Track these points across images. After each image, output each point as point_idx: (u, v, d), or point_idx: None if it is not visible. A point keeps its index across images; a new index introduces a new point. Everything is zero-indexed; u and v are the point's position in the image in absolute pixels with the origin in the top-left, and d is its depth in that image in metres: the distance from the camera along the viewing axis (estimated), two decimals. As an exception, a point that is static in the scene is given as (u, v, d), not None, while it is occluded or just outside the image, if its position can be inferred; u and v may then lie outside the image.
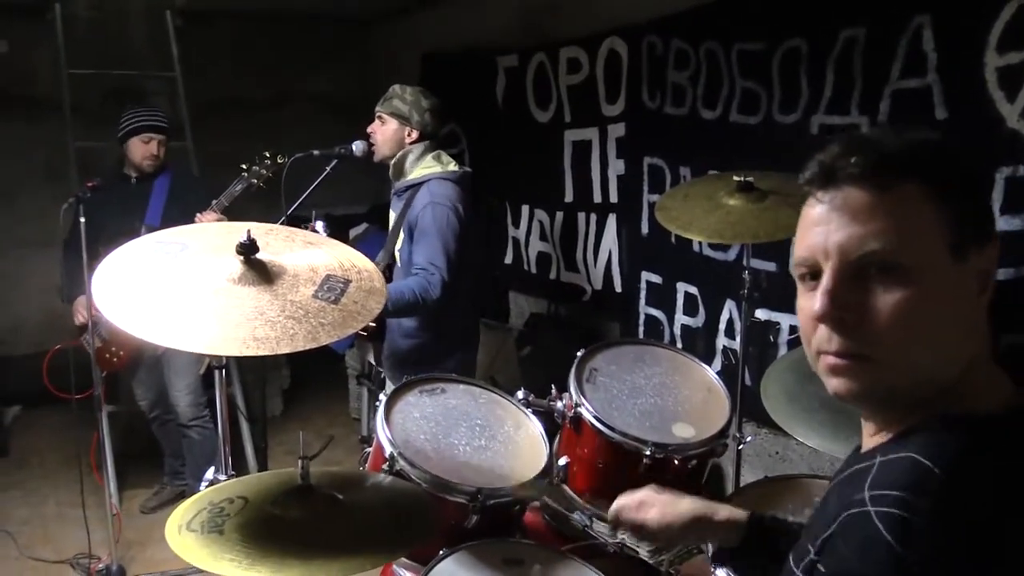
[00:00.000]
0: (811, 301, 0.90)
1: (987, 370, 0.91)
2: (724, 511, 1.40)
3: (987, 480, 0.82)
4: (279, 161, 3.35)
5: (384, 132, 3.03)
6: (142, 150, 3.68)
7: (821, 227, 0.90)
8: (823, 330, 0.90)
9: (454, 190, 2.95)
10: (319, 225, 2.91)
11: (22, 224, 5.12)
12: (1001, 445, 0.84)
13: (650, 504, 1.48)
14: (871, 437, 0.97)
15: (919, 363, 0.87)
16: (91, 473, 3.56)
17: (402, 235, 2.99)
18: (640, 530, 1.49)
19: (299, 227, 2.86)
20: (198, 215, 3.47)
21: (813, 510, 1.06)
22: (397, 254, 3.03)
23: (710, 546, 1.80)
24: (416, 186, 2.99)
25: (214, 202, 3.48)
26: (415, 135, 3.01)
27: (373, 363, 3.28)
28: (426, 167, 3.01)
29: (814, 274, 0.92)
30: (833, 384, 0.92)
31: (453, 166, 3.03)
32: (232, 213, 3.46)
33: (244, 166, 3.44)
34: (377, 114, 3.05)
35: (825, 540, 0.85)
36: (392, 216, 3.14)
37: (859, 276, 0.87)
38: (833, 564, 0.83)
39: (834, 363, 0.90)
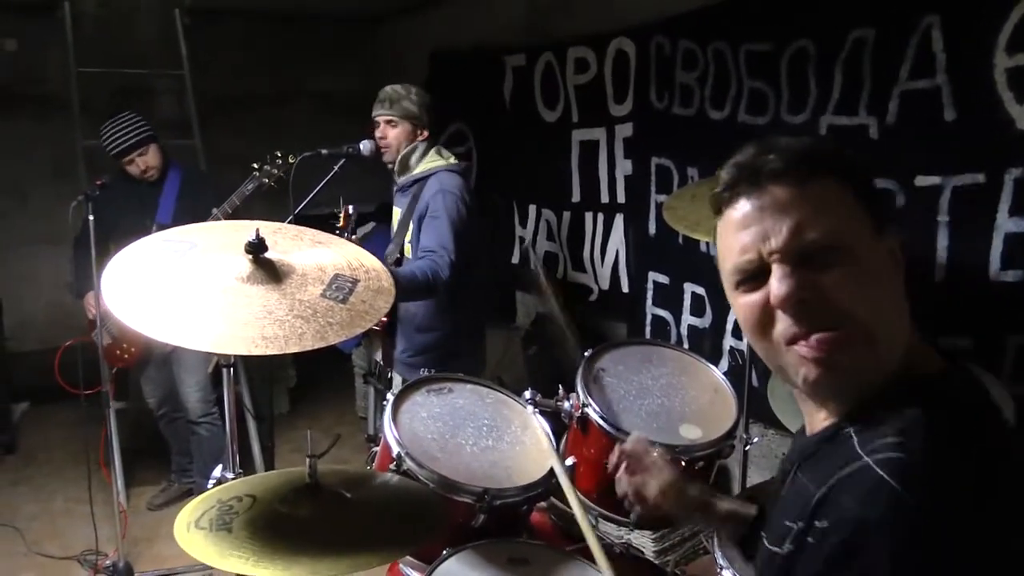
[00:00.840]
0: (757, 296, 0.95)
1: (918, 342, 0.96)
2: (725, 504, 1.42)
3: (970, 424, 0.87)
4: (290, 160, 3.36)
5: (398, 135, 3.05)
6: (133, 170, 3.67)
7: (754, 226, 0.95)
8: (785, 320, 0.93)
9: (461, 181, 3.03)
10: (351, 208, 2.96)
11: (32, 221, 5.16)
12: (959, 398, 0.91)
13: (660, 465, 1.51)
14: (821, 416, 1.00)
15: (878, 331, 0.91)
16: (99, 469, 3.58)
17: (412, 227, 3.02)
18: (636, 488, 1.52)
19: (328, 217, 2.92)
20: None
21: (773, 503, 1.08)
22: (408, 247, 3.05)
23: (717, 548, 1.80)
24: (422, 180, 3.03)
25: (225, 202, 3.48)
26: (426, 133, 3.06)
27: (380, 362, 3.29)
28: (430, 161, 3.07)
29: (755, 274, 0.95)
30: (810, 373, 0.93)
31: (454, 159, 3.11)
32: (239, 212, 3.47)
33: (255, 165, 3.45)
34: (385, 119, 3.05)
35: (819, 502, 0.87)
36: (397, 212, 3.16)
37: (804, 263, 0.92)
38: (834, 515, 0.84)
39: (817, 343, 0.92)
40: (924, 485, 0.80)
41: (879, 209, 0.95)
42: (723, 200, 0.98)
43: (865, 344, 0.91)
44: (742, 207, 0.96)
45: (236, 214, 3.48)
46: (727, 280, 1.00)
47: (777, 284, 0.92)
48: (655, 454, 1.54)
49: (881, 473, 0.81)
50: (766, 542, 0.97)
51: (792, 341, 0.93)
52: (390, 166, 3.13)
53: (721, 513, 1.41)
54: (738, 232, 0.96)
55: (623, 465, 1.56)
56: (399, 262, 3.09)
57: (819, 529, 0.85)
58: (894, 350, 0.93)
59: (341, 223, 2.95)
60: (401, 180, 3.11)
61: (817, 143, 1.00)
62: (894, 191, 2.46)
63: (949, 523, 0.79)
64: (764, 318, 0.95)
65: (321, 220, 2.74)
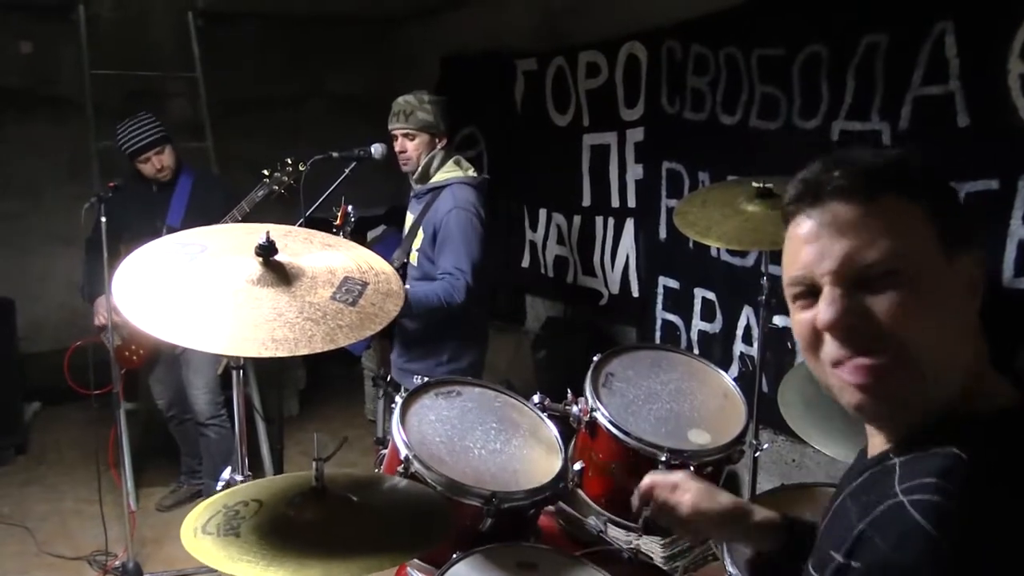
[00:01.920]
0: (811, 314, 0.92)
1: (989, 372, 0.92)
2: (760, 512, 1.35)
3: (1015, 464, 0.83)
4: (300, 168, 3.36)
5: (417, 147, 3.03)
6: (146, 169, 3.69)
7: (813, 244, 0.92)
8: (832, 342, 0.91)
9: (475, 195, 2.98)
10: (350, 207, 2.96)
11: (46, 222, 5.19)
12: (1014, 440, 0.86)
13: (685, 489, 1.41)
14: (878, 441, 0.97)
15: (928, 360, 0.88)
16: (108, 470, 3.59)
17: (422, 235, 3.01)
18: (669, 512, 1.42)
19: (324, 222, 2.92)
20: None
21: (823, 519, 1.04)
22: (415, 253, 3.05)
23: (726, 555, 1.79)
24: (437, 189, 3.01)
25: (235, 208, 3.50)
26: (444, 141, 3.05)
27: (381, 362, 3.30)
28: (448, 171, 3.03)
29: (811, 291, 0.93)
30: (852, 398, 0.92)
31: (472, 171, 3.06)
32: (252, 215, 3.48)
33: (266, 172, 3.46)
34: (402, 132, 3.02)
35: (856, 539, 0.84)
36: (410, 217, 3.16)
37: (859, 286, 0.89)
38: (868, 558, 0.82)
39: (855, 368, 0.90)
40: (960, 531, 0.77)
41: (956, 228, 0.89)
42: (787, 214, 0.97)
43: (910, 374, 0.88)
44: (803, 223, 0.94)
45: (248, 218, 3.49)
46: (785, 292, 0.98)
47: (824, 308, 0.90)
48: (673, 476, 1.45)
49: (916, 515, 0.79)
50: (810, 566, 0.94)
51: (836, 364, 0.92)
52: (413, 176, 3.11)
53: (756, 520, 1.34)
54: (797, 248, 0.94)
55: (647, 503, 1.50)
56: (405, 267, 3.09)
57: (855, 569, 0.83)
58: (948, 382, 0.89)
59: (338, 220, 2.94)
60: (418, 188, 3.10)
61: (891, 157, 0.93)
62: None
63: (983, 573, 0.77)
64: (813, 337, 0.93)
65: (326, 222, 2.75)
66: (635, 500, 1.47)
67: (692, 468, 1.93)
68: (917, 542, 0.78)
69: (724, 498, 1.38)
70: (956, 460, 0.83)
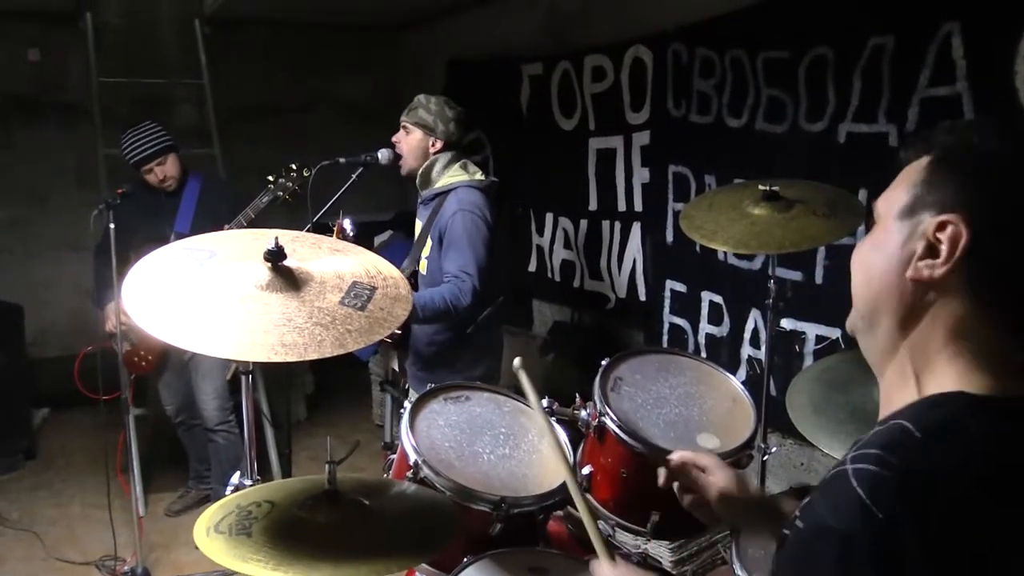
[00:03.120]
0: None
1: (990, 356, 0.89)
2: (788, 504, 1.38)
3: (966, 448, 0.83)
4: (305, 174, 3.37)
5: (409, 142, 3.04)
6: (152, 179, 3.70)
7: None
8: None
9: (481, 198, 2.95)
10: (347, 223, 2.94)
11: (54, 228, 5.22)
12: (991, 422, 0.85)
13: (714, 472, 1.44)
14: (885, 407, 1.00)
15: (856, 296, 0.98)
16: (117, 476, 3.60)
17: (429, 242, 3.00)
18: (696, 492, 1.45)
19: (327, 229, 2.92)
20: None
21: None
22: (424, 261, 3.04)
23: (735, 559, 1.79)
24: (443, 194, 3.00)
25: (240, 215, 3.51)
26: (439, 145, 3.01)
27: (397, 370, 3.29)
28: (453, 176, 3.02)
29: None
30: None
31: (480, 175, 3.04)
32: (258, 220, 3.49)
33: (270, 178, 3.47)
34: (402, 124, 3.06)
35: (807, 501, 0.87)
36: (419, 225, 3.15)
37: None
38: (809, 518, 0.85)
39: None
40: (894, 502, 0.79)
41: (931, 195, 0.91)
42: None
43: (854, 309, 0.98)
44: None
45: (253, 225, 3.49)
46: None
47: None
48: (704, 458, 1.48)
49: (854, 483, 0.81)
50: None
51: None
52: (413, 180, 3.10)
53: (783, 512, 1.35)
54: None
55: (675, 484, 1.51)
56: (415, 275, 3.09)
57: (798, 528, 0.86)
58: (876, 326, 0.95)
59: (334, 237, 2.93)
60: (423, 193, 3.10)
61: (950, 124, 0.96)
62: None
63: (909, 547, 0.78)
64: None
65: (323, 229, 2.75)
66: (662, 474, 1.50)
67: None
68: (852, 509, 0.80)
69: (752, 487, 1.42)
70: (902, 432, 0.84)
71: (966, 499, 0.80)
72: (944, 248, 0.88)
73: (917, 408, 0.89)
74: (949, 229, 0.87)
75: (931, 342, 0.91)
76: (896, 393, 0.93)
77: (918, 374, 0.92)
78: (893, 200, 0.94)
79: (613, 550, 1.46)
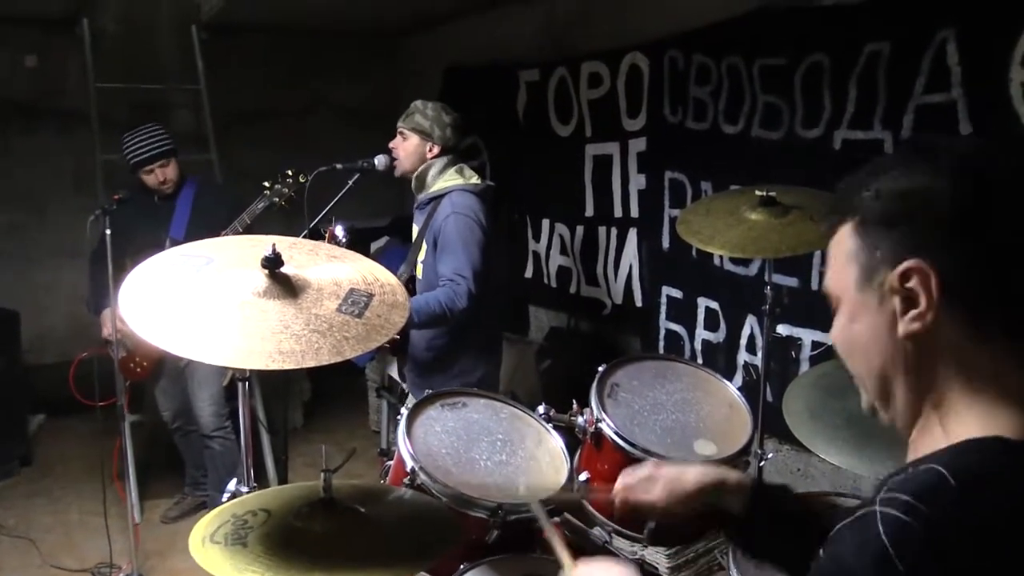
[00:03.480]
0: None
1: (1015, 392, 0.87)
2: (733, 475, 1.40)
3: (1003, 499, 0.80)
4: (301, 180, 3.37)
5: (406, 147, 3.05)
6: (150, 180, 3.70)
7: None
8: None
9: (476, 202, 2.96)
10: (339, 229, 2.94)
11: (51, 234, 5.21)
12: (1008, 473, 0.82)
13: (655, 480, 1.44)
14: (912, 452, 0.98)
15: (862, 379, 0.96)
16: (113, 482, 3.59)
17: (425, 246, 3.01)
18: (650, 510, 1.45)
19: (320, 234, 2.92)
20: None
21: None
22: (420, 266, 3.04)
23: (732, 565, 1.79)
24: (438, 198, 3.00)
25: (236, 221, 3.50)
26: (436, 150, 3.02)
27: (394, 377, 3.29)
28: (448, 180, 3.02)
29: None
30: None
31: (475, 179, 3.04)
32: (255, 227, 3.49)
33: (266, 184, 3.46)
34: (399, 130, 3.07)
35: (835, 533, 0.85)
36: (415, 230, 3.16)
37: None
38: (830, 552, 0.84)
39: None
40: (916, 555, 0.77)
41: (878, 253, 0.89)
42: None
43: (872, 393, 0.96)
44: None
45: (249, 231, 3.50)
46: None
47: None
48: (640, 472, 1.47)
49: (880, 527, 0.79)
50: None
51: None
52: (409, 178, 3.11)
53: (729, 485, 1.37)
54: None
55: (624, 508, 1.50)
56: (412, 280, 3.09)
57: (820, 557, 0.85)
58: (892, 396, 0.93)
59: (325, 242, 2.94)
60: (419, 197, 3.10)
61: (855, 181, 0.94)
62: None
63: None
64: None
65: (317, 235, 2.75)
66: (616, 511, 1.51)
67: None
68: (873, 553, 0.78)
69: (691, 475, 1.41)
70: (938, 480, 0.81)
71: (999, 554, 0.78)
72: (920, 294, 0.86)
73: (952, 453, 0.85)
74: (915, 276, 0.86)
75: (950, 389, 0.88)
76: (922, 440, 0.91)
77: (943, 422, 0.89)
78: (842, 277, 0.93)
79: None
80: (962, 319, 0.86)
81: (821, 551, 0.86)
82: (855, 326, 0.93)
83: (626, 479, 1.48)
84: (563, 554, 1.38)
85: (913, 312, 0.87)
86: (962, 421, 0.87)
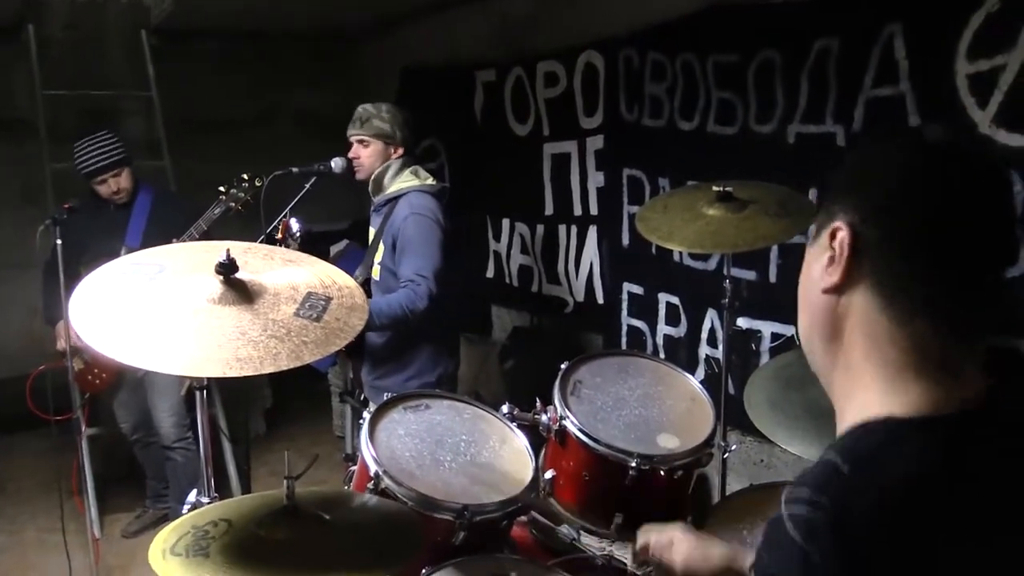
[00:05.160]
0: None
1: (916, 369, 0.88)
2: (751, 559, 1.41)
3: (891, 477, 0.82)
4: (257, 184, 3.34)
5: (370, 154, 3.02)
6: (104, 190, 3.65)
7: None
8: None
9: (433, 202, 2.96)
10: (293, 222, 2.92)
11: (0, 246, 5.07)
12: (915, 451, 0.84)
13: (679, 547, 1.50)
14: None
15: (800, 330, 1.01)
16: (71, 498, 3.52)
17: (382, 247, 2.99)
18: (667, 571, 1.51)
19: (275, 231, 2.89)
20: None
21: None
22: (377, 267, 3.03)
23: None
24: (394, 199, 3.00)
25: (192, 227, 3.45)
26: (400, 151, 3.02)
27: (353, 379, 3.27)
28: (404, 181, 3.02)
29: None
30: None
31: (430, 180, 3.05)
32: (212, 232, 3.44)
33: (222, 189, 3.42)
34: (357, 138, 3.03)
35: (756, 552, 0.88)
36: (371, 232, 3.14)
37: None
38: (758, 569, 0.86)
39: None
40: (826, 544, 0.79)
41: (825, 211, 0.95)
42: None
43: (803, 345, 1.00)
44: None
45: (206, 236, 3.45)
46: None
47: None
48: (668, 533, 1.55)
49: (790, 529, 0.81)
50: None
51: None
52: (369, 188, 3.10)
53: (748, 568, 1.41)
54: None
55: (646, 562, 1.59)
56: (367, 282, 3.07)
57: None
58: (822, 359, 0.97)
59: (279, 235, 2.92)
60: (376, 199, 3.08)
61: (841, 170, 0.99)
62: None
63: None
64: None
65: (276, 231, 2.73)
66: (630, 560, 1.62)
67: (662, 472, 1.95)
68: (791, 555, 0.80)
69: (716, 552, 1.46)
70: (831, 470, 0.84)
71: (899, 533, 0.80)
72: (836, 252, 0.91)
73: (846, 439, 0.89)
74: (838, 235, 0.91)
75: (853, 355, 0.91)
76: (840, 416, 0.94)
77: (849, 393, 0.92)
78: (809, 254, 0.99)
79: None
80: (877, 291, 0.89)
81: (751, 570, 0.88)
82: (802, 280, 0.99)
83: (653, 536, 1.56)
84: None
85: (830, 267, 0.92)
86: (862, 396, 0.90)
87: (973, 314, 0.89)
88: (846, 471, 0.83)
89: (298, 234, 2.92)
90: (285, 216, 2.95)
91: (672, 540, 1.51)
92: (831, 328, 0.94)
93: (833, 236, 0.91)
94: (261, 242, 2.77)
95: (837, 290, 0.91)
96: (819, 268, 0.93)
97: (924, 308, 0.87)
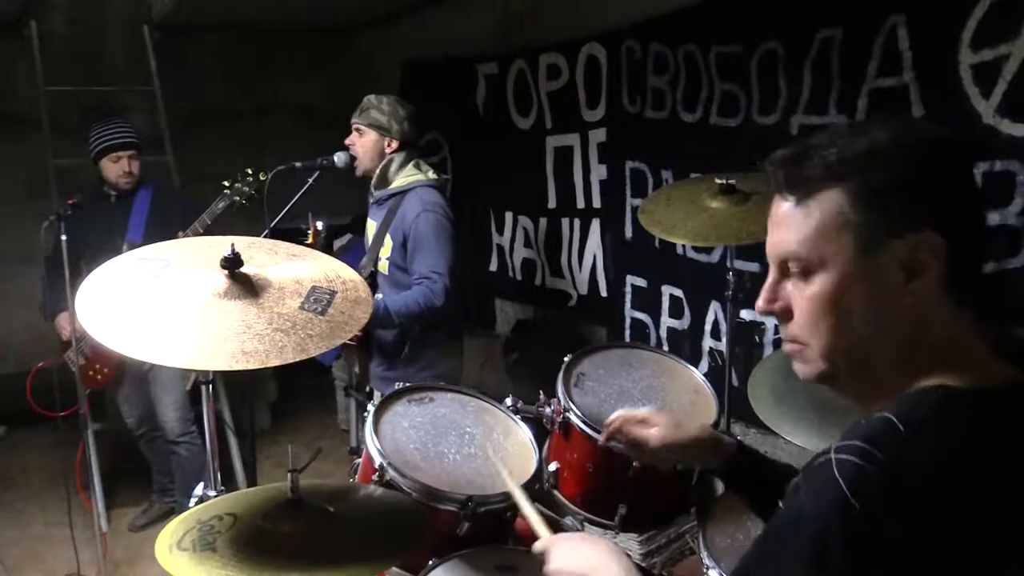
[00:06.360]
0: None
1: (965, 349, 0.94)
2: (726, 439, 1.49)
3: (948, 443, 0.85)
4: (261, 178, 3.34)
5: (364, 144, 3.03)
6: (114, 169, 3.66)
7: (768, 233, 1.02)
8: None
9: (440, 197, 2.98)
10: (320, 225, 2.94)
11: (4, 242, 5.09)
12: (974, 415, 0.88)
13: (653, 422, 1.52)
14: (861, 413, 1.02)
15: (834, 346, 0.96)
16: (78, 492, 3.53)
17: (389, 242, 3.00)
18: (638, 447, 1.53)
19: (298, 232, 2.90)
20: None
21: None
22: (385, 262, 3.03)
23: (703, 548, 1.81)
24: (400, 194, 2.99)
25: (196, 221, 3.46)
26: (395, 144, 3.02)
27: (360, 373, 3.27)
28: (408, 175, 3.02)
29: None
30: (794, 367, 1.02)
31: (432, 174, 3.05)
32: (216, 227, 3.45)
33: (226, 183, 3.43)
34: (354, 126, 3.05)
35: (793, 486, 0.89)
36: (372, 225, 3.14)
37: (784, 275, 1.00)
38: (790, 505, 0.88)
39: (786, 349, 1.02)
40: (873, 496, 0.81)
41: (884, 222, 0.92)
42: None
43: (822, 360, 0.97)
44: (771, 207, 1.03)
45: (210, 231, 3.46)
46: None
47: (763, 289, 1.01)
48: (641, 411, 1.57)
49: (836, 473, 0.83)
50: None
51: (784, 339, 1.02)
52: (367, 178, 3.09)
53: (721, 446, 1.47)
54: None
55: (615, 438, 1.59)
56: (373, 276, 3.08)
57: (781, 511, 0.89)
58: (874, 360, 0.95)
59: (311, 239, 2.92)
60: (378, 193, 3.08)
61: (846, 149, 0.94)
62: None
63: (887, 541, 0.80)
64: None
65: (295, 233, 2.74)
66: (602, 437, 1.63)
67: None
68: (832, 499, 0.82)
69: (691, 428, 1.51)
70: (887, 426, 0.86)
71: (949, 493, 0.82)
72: (926, 264, 0.91)
73: (901, 402, 0.90)
74: (924, 247, 0.90)
75: (925, 353, 0.93)
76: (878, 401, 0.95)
77: (905, 382, 0.94)
78: (827, 243, 0.94)
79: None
80: (945, 286, 0.92)
81: (782, 501, 0.89)
82: (847, 293, 0.94)
83: (626, 412, 1.57)
84: (541, 528, 1.40)
85: (917, 282, 0.91)
86: (917, 377, 0.93)
87: (1000, 302, 0.96)
88: (902, 429, 0.85)
89: (324, 235, 2.94)
90: (310, 220, 2.97)
91: (646, 417, 1.54)
92: (910, 339, 0.93)
93: (917, 248, 0.90)
94: (266, 236, 2.78)
95: (923, 302, 0.93)
96: (888, 281, 0.92)
97: (974, 298, 0.93)
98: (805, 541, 0.82)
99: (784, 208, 0.99)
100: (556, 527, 2.00)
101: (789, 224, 0.97)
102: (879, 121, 0.96)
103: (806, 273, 0.96)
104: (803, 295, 0.97)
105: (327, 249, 3.08)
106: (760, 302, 1.02)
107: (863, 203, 0.92)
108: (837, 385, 0.99)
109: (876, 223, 0.92)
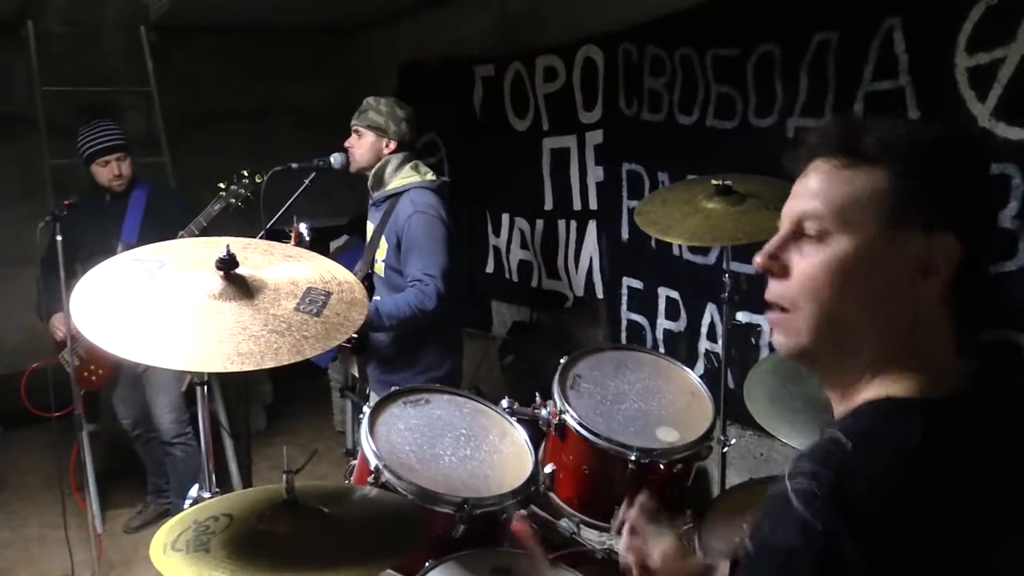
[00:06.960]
0: None
1: (934, 354, 0.93)
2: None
3: (893, 454, 0.85)
4: (257, 180, 3.34)
5: (362, 145, 3.03)
6: (104, 173, 3.65)
7: (790, 198, 0.99)
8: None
9: (435, 199, 2.96)
10: (303, 227, 2.92)
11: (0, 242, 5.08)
12: (923, 427, 0.87)
13: (661, 539, 1.45)
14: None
15: (825, 319, 0.93)
16: (73, 494, 3.52)
17: (384, 244, 2.99)
18: (639, 556, 1.46)
19: (282, 234, 2.89)
20: None
21: None
22: (380, 264, 3.02)
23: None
24: (395, 196, 2.99)
25: (192, 223, 3.46)
26: (393, 145, 3.02)
27: (356, 376, 3.27)
28: (405, 177, 3.01)
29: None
30: (773, 340, 1.00)
31: (431, 176, 3.04)
32: (211, 228, 3.44)
33: (222, 185, 3.42)
34: (353, 128, 3.05)
35: (755, 523, 0.89)
36: (370, 227, 3.14)
37: (796, 236, 0.97)
38: (755, 541, 0.87)
39: (770, 317, 0.99)
40: (828, 513, 0.81)
41: (913, 211, 0.91)
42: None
43: (808, 333, 0.94)
44: (804, 173, 0.99)
45: (205, 232, 3.45)
46: None
47: (766, 244, 0.98)
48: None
49: (792, 500, 0.83)
50: None
51: (766, 304, 0.99)
52: (367, 180, 3.09)
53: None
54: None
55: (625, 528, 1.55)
56: (369, 278, 3.07)
57: (747, 551, 0.88)
58: (850, 348, 0.94)
59: (292, 241, 2.91)
60: (375, 195, 3.08)
61: (891, 131, 0.94)
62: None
63: (848, 556, 0.80)
64: None
65: (279, 235, 2.74)
66: (614, 526, 1.60)
67: (662, 466, 1.95)
68: (792, 524, 0.82)
69: (695, 561, 1.42)
70: (834, 443, 0.86)
71: (898, 502, 0.82)
72: (940, 267, 0.91)
73: (849, 418, 0.92)
74: (942, 249, 0.90)
75: (895, 353, 0.93)
76: (847, 404, 0.96)
77: (871, 376, 0.94)
78: (856, 211, 0.92)
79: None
80: (947, 296, 0.92)
81: (746, 544, 0.89)
82: (859, 267, 0.92)
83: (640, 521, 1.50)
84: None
85: (928, 281, 0.91)
86: (872, 386, 0.93)
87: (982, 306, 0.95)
88: (848, 445, 0.86)
89: (308, 238, 2.92)
90: (294, 222, 2.95)
91: (654, 531, 1.51)
92: (897, 330, 0.93)
93: (937, 246, 0.90)
94: (262, 237, 2.77)
95: (925, 298, 0.92)
96: (902, 269, 0.91)
97: (967, 308, 0.93)
98: (774, 573, 0.83)
99: (823, 170, 0.96)
100: (552, 529, 2.00)
101: (823, 185, 0.95)
102: (939, 120, 1.01)
103: (823, 236, 0.93)
104: (812, 259, 0.94)
105: (320, 248, 3.06)
106: (760, 257, 0.98)
107: (905, 189, 0.91)
108: (814, 364, 0.98)
109: (910, 211, 0.91)
